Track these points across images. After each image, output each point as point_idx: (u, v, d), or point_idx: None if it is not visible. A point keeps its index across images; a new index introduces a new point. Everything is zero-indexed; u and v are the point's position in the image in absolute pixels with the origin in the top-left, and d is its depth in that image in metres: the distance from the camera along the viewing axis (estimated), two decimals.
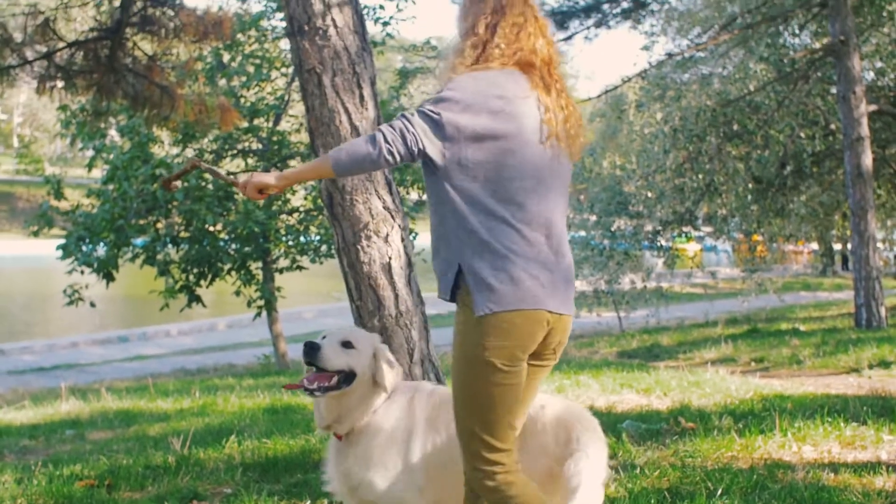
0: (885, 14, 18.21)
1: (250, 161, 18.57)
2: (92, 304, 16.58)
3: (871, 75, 20.22)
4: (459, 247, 3.38)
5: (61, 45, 9.14)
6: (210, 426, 8.52)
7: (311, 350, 3.78)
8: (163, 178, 3.92)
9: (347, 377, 3.81)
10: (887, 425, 6.47)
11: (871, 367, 10.90)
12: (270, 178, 3.56)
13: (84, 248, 16.25)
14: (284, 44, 18.58)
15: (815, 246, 38.63)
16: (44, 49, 9.10)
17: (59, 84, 9.25)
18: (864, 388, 9.30)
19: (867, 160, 15.88)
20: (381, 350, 3.94)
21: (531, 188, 3.39)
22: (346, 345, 3.86)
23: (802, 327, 17.25)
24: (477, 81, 3.38)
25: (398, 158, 3.32)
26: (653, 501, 4.83)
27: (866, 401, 7.70)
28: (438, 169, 3.39)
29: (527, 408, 3.58)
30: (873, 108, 17.43)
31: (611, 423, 7.00)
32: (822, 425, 6.50)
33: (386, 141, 3.30)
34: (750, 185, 20.18)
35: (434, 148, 3.34)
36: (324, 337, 3.88)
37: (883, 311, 15.89)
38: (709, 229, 24.00)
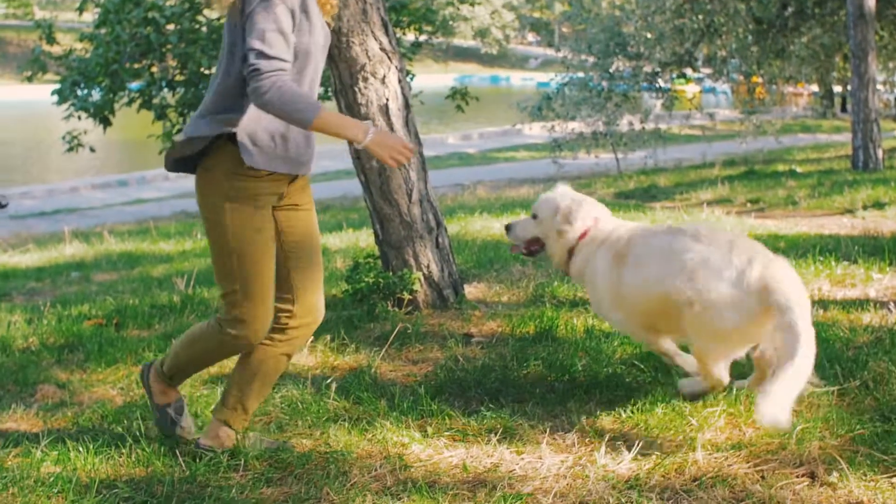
0: None
1: None
2: (91, 150, 16.58)
3: None
4: None
5: None
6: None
7: (506, 229, 4.62)
8: None
9: (540, 242, 4.47)
10: (877, 264, 6.59)
11: (865, 207, 10.98)
12: None
13: (79, 93, 16.12)
14: None
15: (814, 88, 38.27)
16: None
17: None
18: (857, 228, 9.40)
19: (870, 1, 15.64)
20: (564, 206, 4.33)
21: None
22: (534, 216, 4.47)
23: (799, 169, 17.29)
24: None
25: None
26: None
27: (858, 240, 7.81)
28: None
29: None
30: None
31: None
32: (814, 264, 6.61)
33: None
34: (750, 26, 19.90)
35: None
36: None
37: (880, 153, 15.91)
38: (708, 71, 23.77)
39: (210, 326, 3.76)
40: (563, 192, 4.42)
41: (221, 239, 3.59)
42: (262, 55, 3.28)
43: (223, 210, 3.52)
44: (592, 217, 4.32)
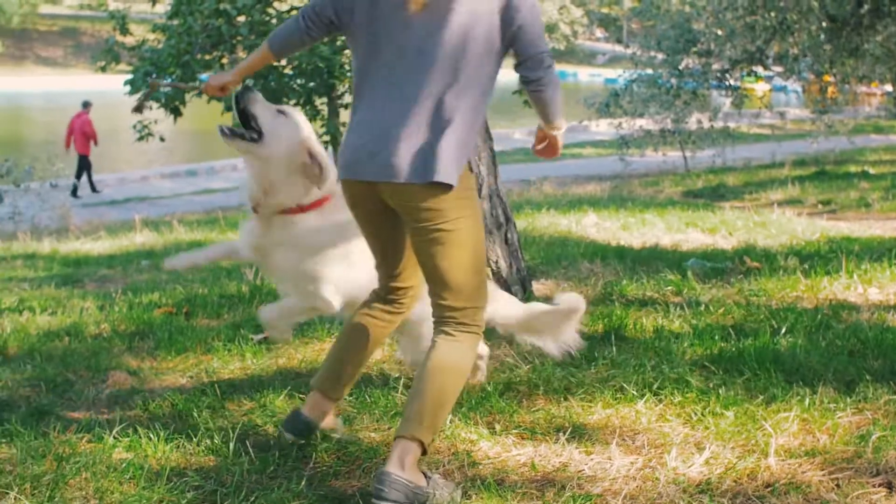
0: None
1: None
2: (161, 139, 16.82)
3: None
4: None
5: None
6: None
7: (246, 90, 3.92)
8: (134, 107, 4.13)
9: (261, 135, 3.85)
10: None
11: None
12: (227, 75, 3.81)
13: None
14: None
15: (888, 88, 37.60)
16: None
17: None
18: None
19: None
20: (314, 145, 3.92)
21: (369, 45, 3.37)
22: (281, 112, 3.93)
23: (872, 170, 17.01)
24: None
25: (315, 33, 3.53)
26: (717, 337, 4.91)
27: None
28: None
29: (407, 268, 3.64)
30: None
31: (676, 260, 7.07)
32: (889, 268, 6.49)
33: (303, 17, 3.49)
34: (824, 24, 19.53)
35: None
36: None
37: None
38: (779, 69, 23.45)
39: (461, 355, 3.44)
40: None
41: (475, 228, 3.40)
42: (548, 53, 3.35)
43: (466, 197, 3.37)
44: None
